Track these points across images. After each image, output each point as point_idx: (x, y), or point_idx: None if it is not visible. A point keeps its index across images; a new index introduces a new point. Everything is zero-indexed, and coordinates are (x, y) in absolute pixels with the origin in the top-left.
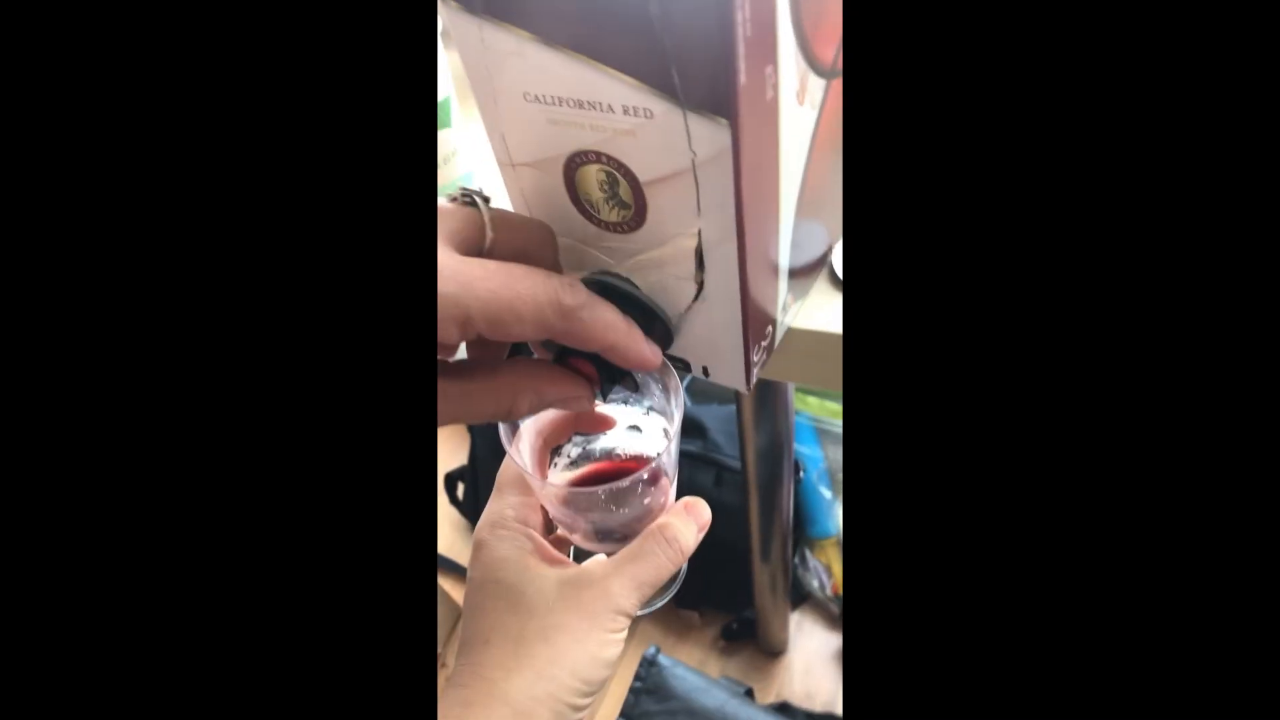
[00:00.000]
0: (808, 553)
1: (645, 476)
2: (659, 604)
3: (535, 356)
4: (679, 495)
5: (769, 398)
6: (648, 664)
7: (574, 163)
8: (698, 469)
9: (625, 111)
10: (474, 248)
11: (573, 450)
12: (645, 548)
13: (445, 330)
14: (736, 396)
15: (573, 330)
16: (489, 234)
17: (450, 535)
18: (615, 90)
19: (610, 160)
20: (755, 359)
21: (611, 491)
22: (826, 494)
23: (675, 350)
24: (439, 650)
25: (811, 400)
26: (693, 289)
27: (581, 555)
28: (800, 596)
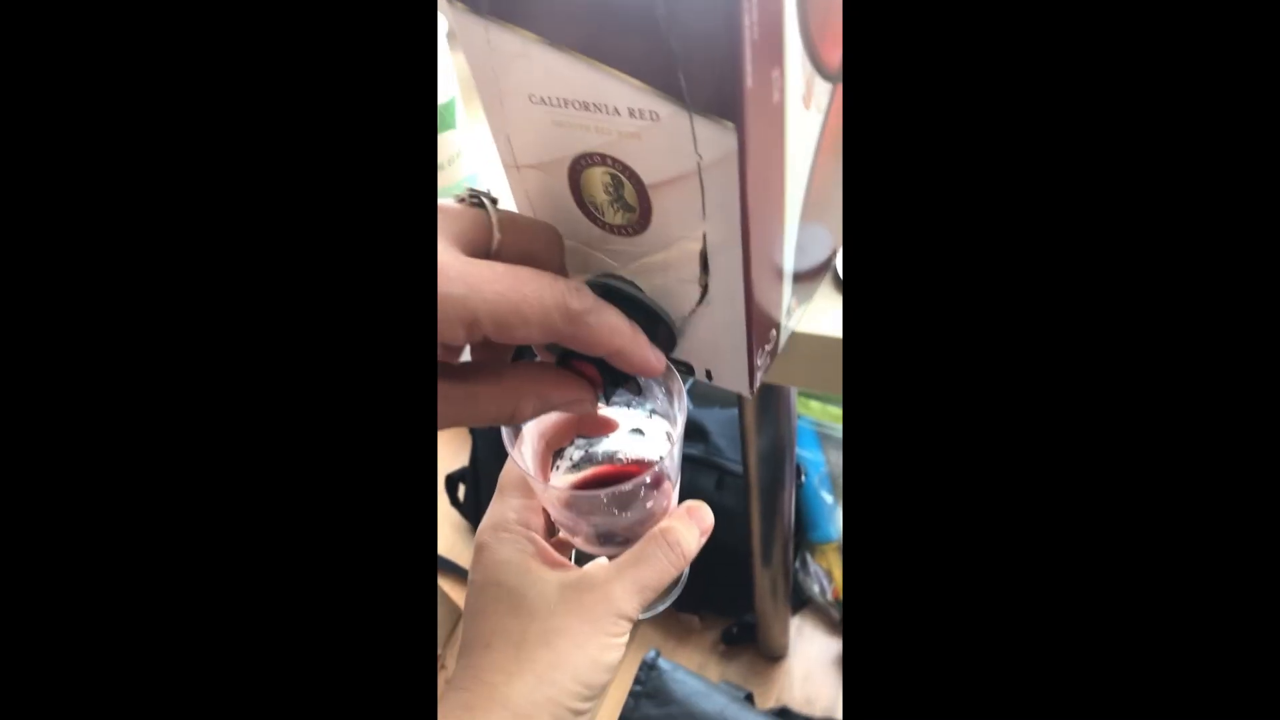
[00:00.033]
0: (809, 557)
1: (648, 480)
2: (660, 608)
3: (538, 359)
4: (680, 499)
5: (771, 401)
6: (647, 667)
7: (579, 165)
8: (699, 472)
9: (631, 114)
10: (481, 249)
11: (575, 453)
12: (647, 551)
13: (452, 332)
14: (738, 400)
15: (578, 334)
16: (496, 236)
17: (451, 537)
18: (621, 92)
19: (615, 163)
20: (759, 363)
21: (614, 495)
22: (828, 499)
23: (679, 353)
24: (439, 651)
25: (814, 404)
26: (697, 292)
27: (583, 559)
28: (801, 601)
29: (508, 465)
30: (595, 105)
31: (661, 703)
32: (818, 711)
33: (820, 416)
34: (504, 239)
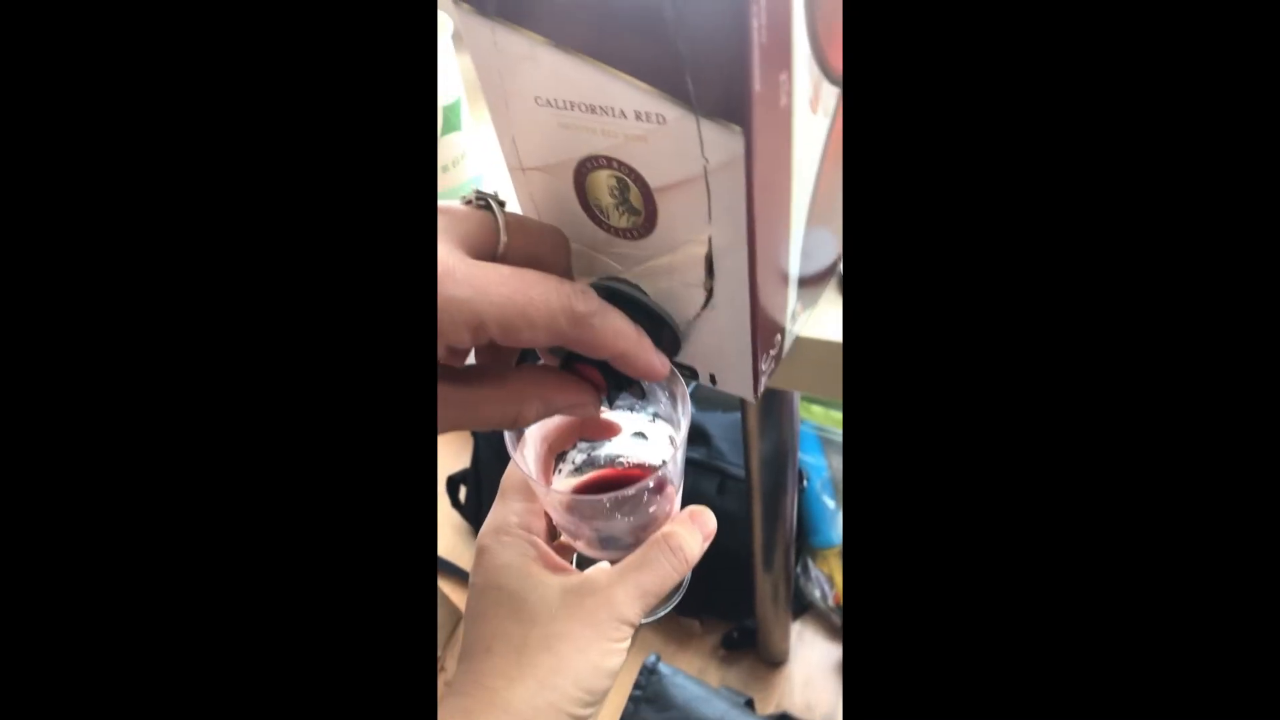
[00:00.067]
0: (810, 562)
1: (651, 484)
2: (662, 613)
3: (541, 362)
4: (682, 503)
5: (774, 406)
6: (648, 672)
7: (584, 168)
8: (701, 476)
9: (637, 117)
10: (487, 252)
11: (577, 456)
12: (649, 556)
13: (457, 334)
14: (741, 404)
15: (584, 338)
16: (503, 239)
17: (452, 538)
18: (628, 95)
19: (621, 166)
20: (764, 367)
21: (616, 499)
22: (830, 503)
23: (683, 357)
24: (439, 654)
25: (816, 409)
26: (702, 296)
27: (585, 563)
28: (802, 606)
29: (510, 468)
30: (601, 108)
31: (661, 708)
32: (818, 717)
33: (823, 421)
34: (511, 242)
